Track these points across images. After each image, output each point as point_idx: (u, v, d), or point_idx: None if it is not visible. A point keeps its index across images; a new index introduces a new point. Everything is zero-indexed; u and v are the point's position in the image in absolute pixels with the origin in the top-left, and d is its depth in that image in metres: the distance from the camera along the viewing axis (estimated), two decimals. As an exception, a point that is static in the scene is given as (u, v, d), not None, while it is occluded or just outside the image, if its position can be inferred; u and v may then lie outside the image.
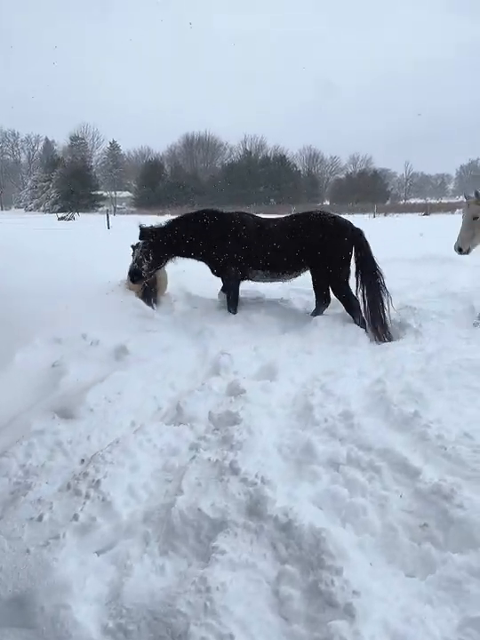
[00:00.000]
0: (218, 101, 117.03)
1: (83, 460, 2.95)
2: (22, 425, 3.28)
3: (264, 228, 6.15)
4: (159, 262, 6.25)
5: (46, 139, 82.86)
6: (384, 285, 6.04)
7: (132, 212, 57.01)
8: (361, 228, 6.17)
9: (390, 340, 5.61)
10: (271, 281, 6.62)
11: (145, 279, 6.20)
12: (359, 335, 5.56)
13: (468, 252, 5.84)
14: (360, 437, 2.94)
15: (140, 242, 6.16)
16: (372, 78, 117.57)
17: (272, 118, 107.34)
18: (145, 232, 6.15)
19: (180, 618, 1.75)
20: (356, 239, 6.05)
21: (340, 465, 2.73)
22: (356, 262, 6.04)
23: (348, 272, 6.12)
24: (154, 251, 6.14)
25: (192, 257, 6.39)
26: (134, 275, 6.15)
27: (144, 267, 6.11)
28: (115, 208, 58.35)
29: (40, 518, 2.21)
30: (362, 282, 6.02)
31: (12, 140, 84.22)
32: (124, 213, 55.88)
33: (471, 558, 2.10)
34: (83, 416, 3.39)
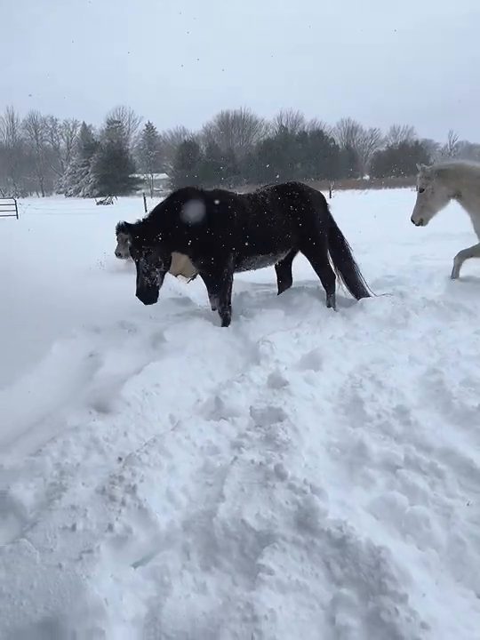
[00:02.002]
0: (253, 77, 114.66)
1: (120, 459, 2.81)
2: (58, 421, 3.16)
3: (257, 204, 5.51)
4: (168, 266, 5.10)
5: (84, 123, 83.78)
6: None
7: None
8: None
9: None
10: (262, 266, 6.00)
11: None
12: (408, 317, 5.19)
13: (420, 223, 6.17)
14: (418, 436, 2.66)
15: (144, 247, 4.72)
16: (412, 40, 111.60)
17: (309, 92, 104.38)
18: (144, 231, 4.72)
19: (225, 651, 1.56)
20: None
21: (397, 468, 2.47)
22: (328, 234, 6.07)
23: None
24: (162, 252, 4.86)
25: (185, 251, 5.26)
26: (151, 293, 4.87)
27: (158, 279, 4.90)
28: (152, 191, 58.51)
29: (73, 528, 2.06)
30: (336, 254, 6.15)
31: (51, 125, 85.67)
32: (161, 196, 55.84)
33: None
34: (119, 410, 3.25)
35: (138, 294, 4.84)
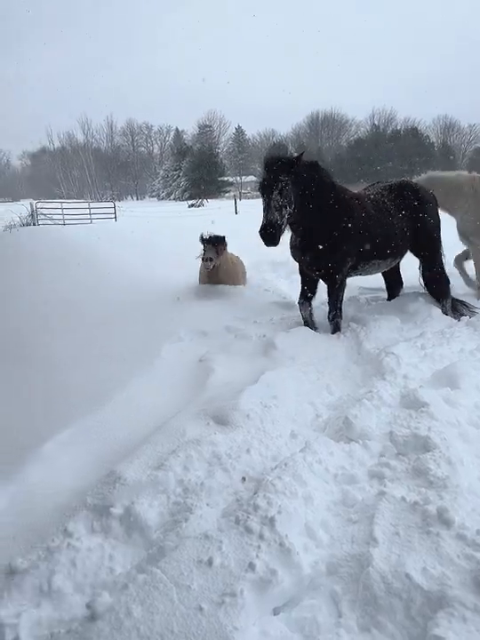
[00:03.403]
0: (344, 76, 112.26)
1: (243, 479, 2.60)
2: (176, 431, 3.01)
3: (377, 205, 5.11)
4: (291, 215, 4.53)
5: (176, 129, 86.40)
6: None
7: (257, 196, 56.99)
8: None
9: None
10: (377, 272, 5.59)
11: None
12: None
13: None
14: None
15: (283, 179, 4.29)
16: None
17: (403, 89, 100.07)
18: (289, 165, 4.33)
19: None
20: None
21: None
22: None
23: None
24: (295, 195, 4.45)
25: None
26: (278, 233, 4.31)
27: (285, 221, 4.39)
28: (240, 193, 59.02)
29: (210, 562, 1.85)
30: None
31: (146, 132, 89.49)
32: (248, 198, 56.18)
33: None
34: (239, 423, 3.04)
35: (263, 229, 4.23)
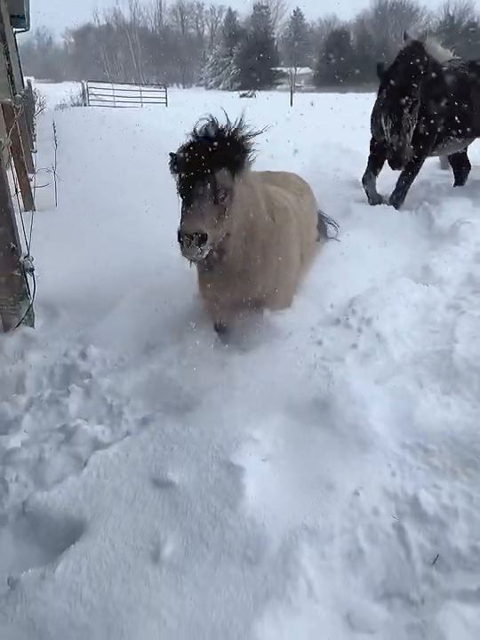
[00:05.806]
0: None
1: (331, 305, 2.99)
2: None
3: (464, 79, 4.97)
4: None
5: (229, 9, 79.70)
6: None
7: (311, 91, 53.44)
8: None
9: None
10: (455, 151, 5.52)
11: None
12: None
13: None
14: None
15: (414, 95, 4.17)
16: None
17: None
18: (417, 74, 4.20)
19: (489, 448, 1.71)
20: None
21: None
22: None
23: None
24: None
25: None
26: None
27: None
28: (293, 86, 55.38)
29: (320, 342, 2.29)
30: None
31: (196, 11, 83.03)
32: (302, 91, 52.70)
33: None
34: (324, 267, 3.40)
35: (397, 157, 4.39)
